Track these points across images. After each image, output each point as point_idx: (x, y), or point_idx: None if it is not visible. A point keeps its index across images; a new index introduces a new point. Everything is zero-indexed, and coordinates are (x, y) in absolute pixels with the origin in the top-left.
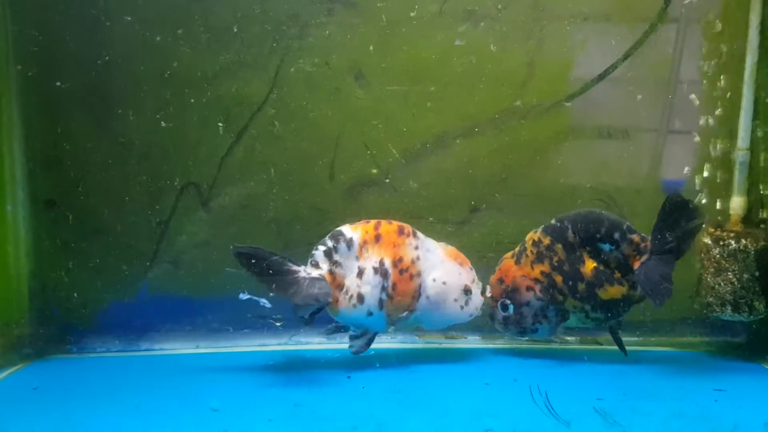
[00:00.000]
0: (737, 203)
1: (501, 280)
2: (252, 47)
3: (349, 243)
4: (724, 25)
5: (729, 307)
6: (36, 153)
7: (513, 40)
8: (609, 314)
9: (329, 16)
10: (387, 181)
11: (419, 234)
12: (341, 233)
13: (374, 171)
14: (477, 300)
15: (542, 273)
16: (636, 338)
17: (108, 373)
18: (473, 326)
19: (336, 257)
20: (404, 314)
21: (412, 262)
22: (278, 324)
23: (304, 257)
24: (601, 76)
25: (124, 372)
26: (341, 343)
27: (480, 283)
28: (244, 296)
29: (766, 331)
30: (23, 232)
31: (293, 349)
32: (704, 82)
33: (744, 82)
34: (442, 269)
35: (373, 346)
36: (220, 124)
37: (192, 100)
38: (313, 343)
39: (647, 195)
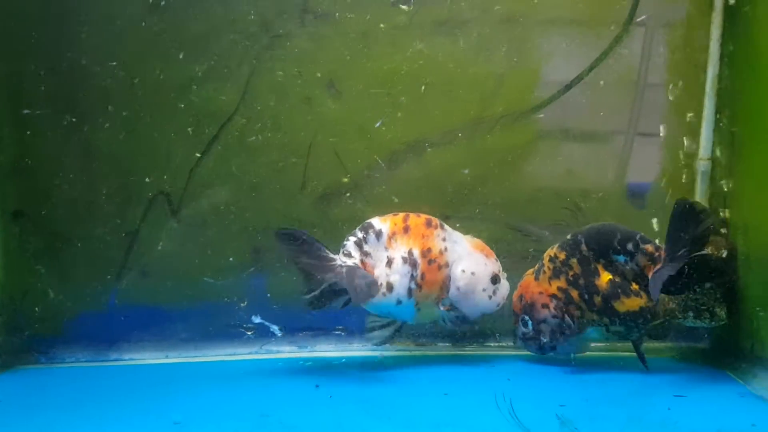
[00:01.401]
0: None
1: (521, 297)
2: (223, 57)
3: (378, 234)
4: (687, 37)
5: (691, 314)
6: (3, 163)
7: (482, 50)
8: (629, 328)
9: (301, 26)
10: (356, 191)
11: (446, 226)
12: (371, 225)
13: (345, 180)
14: (504, 290)
15: (559, 289)
16: (602, 344)
17: (77, 384)
18: (444, 333)
19: (366, 248)
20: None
21: (440, 252)
22: (249, 333)
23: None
24: (569, 86)
25: (92, 383)
26: (313, 352)
27: (505, 274)
28: (256, 319)
29: (730, 337)
30: None
31: (264, 358)
32: (669, 90)
33: (705, 94)
34: (470, 260)
35: (344, 353)
36: (189, 129)
37: (162, 110)
38: (284, 352)
39: (614, 198)
